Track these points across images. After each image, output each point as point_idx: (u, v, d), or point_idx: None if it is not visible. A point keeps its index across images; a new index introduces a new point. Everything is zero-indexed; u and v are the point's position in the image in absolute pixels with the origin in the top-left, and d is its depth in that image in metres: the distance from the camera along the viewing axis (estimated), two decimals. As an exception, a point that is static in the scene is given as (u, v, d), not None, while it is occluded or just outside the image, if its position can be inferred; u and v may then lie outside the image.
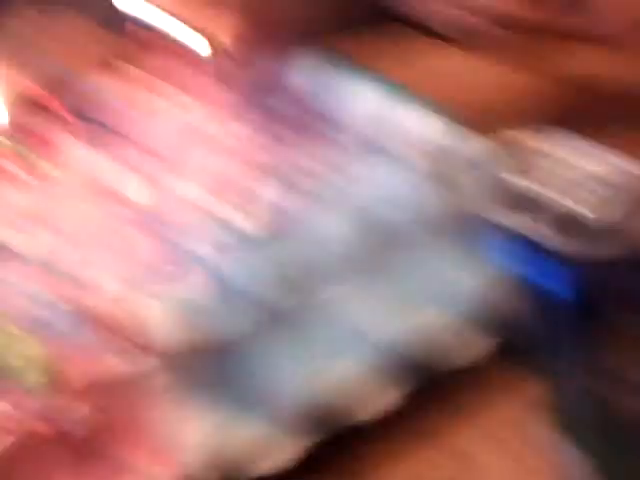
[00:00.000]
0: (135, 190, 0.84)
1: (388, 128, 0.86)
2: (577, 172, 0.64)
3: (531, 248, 0.62)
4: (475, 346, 0.76)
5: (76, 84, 0.95)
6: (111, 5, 1.06)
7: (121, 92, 0.93)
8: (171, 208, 0.83)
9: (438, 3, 1.05)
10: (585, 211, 0.61)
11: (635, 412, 0.62)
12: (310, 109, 0.91)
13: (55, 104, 0.89)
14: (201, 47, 0.92)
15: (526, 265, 0.63)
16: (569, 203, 0.62)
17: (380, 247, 0.76)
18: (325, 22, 0.93)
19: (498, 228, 0.65)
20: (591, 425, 0.63)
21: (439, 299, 0.77)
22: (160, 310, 0.71)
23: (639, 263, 0.60)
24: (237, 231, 0.77)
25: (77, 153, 0.88)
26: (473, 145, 0.80)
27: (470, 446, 0.73)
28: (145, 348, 0.70)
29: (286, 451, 0.71)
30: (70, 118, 0.90)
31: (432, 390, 0.74)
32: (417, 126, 0.82)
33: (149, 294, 0.75)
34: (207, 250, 0.76)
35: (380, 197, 0.79)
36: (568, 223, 0.61)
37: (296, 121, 0.91)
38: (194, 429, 0.70)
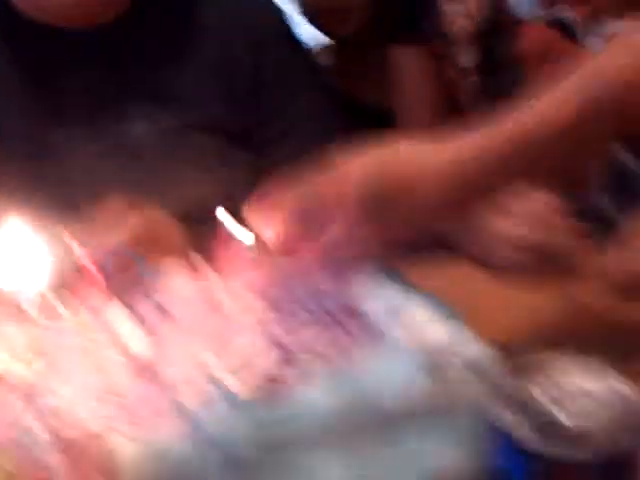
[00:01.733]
0: (136, 339, 0.89)
1: (402, 322, 0.89)
2: (571, 385, 0.67)
3: (510, 443, 0.64)
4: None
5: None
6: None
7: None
8: (168, 359, 0.87)
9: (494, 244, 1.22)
10: (565, 419, 0.64)
11: None
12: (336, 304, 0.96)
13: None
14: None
15: (501, 457, 0.65)
16: (554, 410, 0.64)
17: (365, 426, 0.78)
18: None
19: (484, 422, 0.67)
20: None
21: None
22: (134, 453, 0.73)
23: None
24: (226, 391, 0.80)
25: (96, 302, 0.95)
26: (477, 349, 0.84)
27: None
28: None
29: None
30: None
31: None
32: (429, 326, 0.85)
33: (127, 436, 0.77)
34: (192, 403, 0.78)
35: (376, 382, 0.82)
36: (548, 427, 0.64)
37: (314, 309, 0.96)
38: None
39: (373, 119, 1.47)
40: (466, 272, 1.25)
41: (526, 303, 1.15)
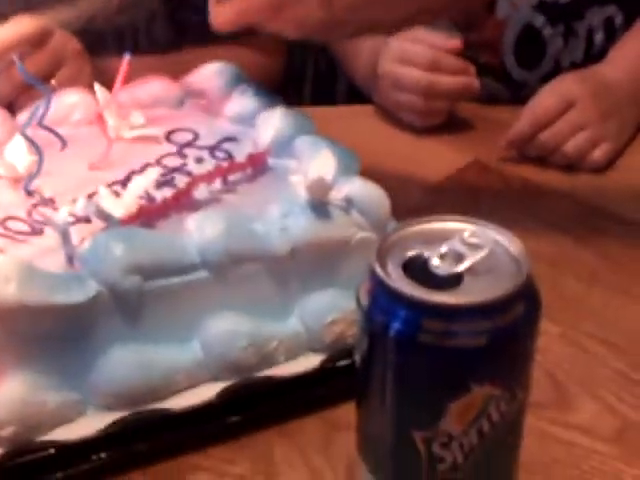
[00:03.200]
0: (18, 154, 0.86)
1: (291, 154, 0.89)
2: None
3: (379, 286, 0.62)
4: (303, 362, 0.78)
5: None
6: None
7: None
8: (49, 176, 0.85)
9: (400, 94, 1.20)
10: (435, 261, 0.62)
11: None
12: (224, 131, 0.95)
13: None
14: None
15: (373, 300, 0.63)
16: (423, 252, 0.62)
17: (241, 258, 0.77)
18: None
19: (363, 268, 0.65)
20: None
21: (285, 313, 0.79)
22: (6, 265, 0.71)
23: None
24: (103, 211, 0.78)
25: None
26: (365, 190, 0.83)
27: (274, 453, 0.74)
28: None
29: (91, 424, 0.72)
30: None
31: (249, 394, 0.76)
32: (317, 162, 0.83)
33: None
34: (67, 220, 0.77)
35: (257, 214, 0.80)
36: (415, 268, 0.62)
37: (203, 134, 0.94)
38: (7, 383, 0.71)
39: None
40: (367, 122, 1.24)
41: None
